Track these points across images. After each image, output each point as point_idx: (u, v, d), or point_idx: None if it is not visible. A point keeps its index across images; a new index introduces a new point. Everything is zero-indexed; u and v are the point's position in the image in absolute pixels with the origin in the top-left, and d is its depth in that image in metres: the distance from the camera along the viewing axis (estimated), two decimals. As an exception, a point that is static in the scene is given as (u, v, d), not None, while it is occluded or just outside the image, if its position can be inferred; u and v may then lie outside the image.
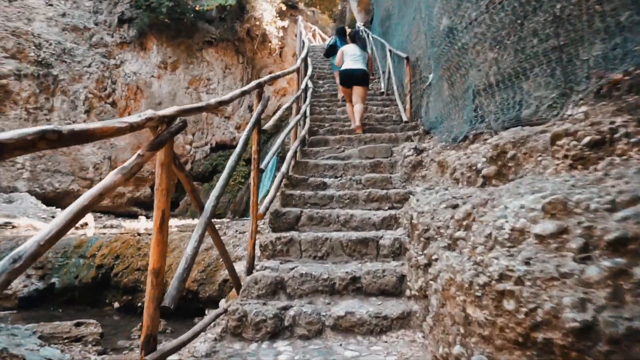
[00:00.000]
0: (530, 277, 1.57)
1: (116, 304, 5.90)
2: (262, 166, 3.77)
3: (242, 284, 3.32)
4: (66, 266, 6.31)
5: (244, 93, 3.36)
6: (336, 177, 5.05)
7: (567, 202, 1.67)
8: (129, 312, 5.70)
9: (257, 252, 3.73)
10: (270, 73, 19.13)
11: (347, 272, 3.17)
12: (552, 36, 3.24)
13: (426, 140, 5.68)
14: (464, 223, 2.42)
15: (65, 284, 6.16)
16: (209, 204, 2.67)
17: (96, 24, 17.28)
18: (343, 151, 5.60)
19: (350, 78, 6.45)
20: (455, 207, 2.84)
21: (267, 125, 4.03)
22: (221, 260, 5.59)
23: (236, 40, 19.03)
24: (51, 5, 16.52)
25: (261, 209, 3.69)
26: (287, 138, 5.61)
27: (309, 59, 8.09)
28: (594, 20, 2.93)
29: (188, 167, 17.89)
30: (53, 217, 11.81)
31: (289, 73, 5.32)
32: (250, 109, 18.46)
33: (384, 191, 4.38)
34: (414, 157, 4.85)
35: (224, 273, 5.36)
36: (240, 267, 5.24)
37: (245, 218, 15.34)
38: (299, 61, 6.17)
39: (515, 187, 2.11)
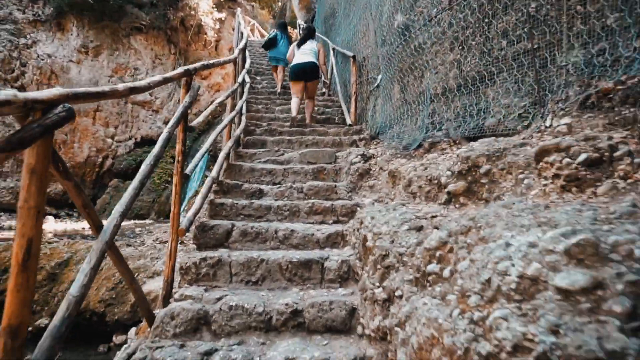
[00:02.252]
0: (561, 355, 1.11)
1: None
2: (187, 171, 3.10)
3: (155, 315, 2.64)
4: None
5: (167, 80, 2.69)
6: (275, 184, 4.47)
7: (599, 245, 1.23)
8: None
9: (177, 275, 3.05)
10: (204, 66, 18.10)
11: (286, 304, 2.60)
12: (524, 38, 2.89)
13: (372, 145, 5.26)
14: (437, 254, 1.95)
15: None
16: (109, 223, 1.99)
17: (4, -3, 15.29)
18: (282, 154, 5.02)
19: (300, 72, 6.28)
20: (419, 229, 2.39)
21: (196, 122, 3.36)
22: (137, 275, 4.80)
23: (168, 29, 17.73)
24: (-52, -30, 14.38)
25: (184, 222, 3.02)
26: (220, 136, 4.94)
27: (247, 52, 7.43)
28: (574, 22, 2.60)
29: (109, 162, 16.37)
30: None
31: (225, 63, 4.66)
32: (181, 103, 17.30)
33: (329, 202, 3.86)
34: (361, 165, 4.39)
35: (138, 291, 4.56)
36: (157, 284, 4.48)
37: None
38: (236, 51, 5.51)
39: (510, 215, 1.66)
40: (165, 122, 17.30)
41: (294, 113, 6.22)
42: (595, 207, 1.52)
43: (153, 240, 5.83)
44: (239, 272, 2.98)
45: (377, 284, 2.39)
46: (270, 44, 8.29)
